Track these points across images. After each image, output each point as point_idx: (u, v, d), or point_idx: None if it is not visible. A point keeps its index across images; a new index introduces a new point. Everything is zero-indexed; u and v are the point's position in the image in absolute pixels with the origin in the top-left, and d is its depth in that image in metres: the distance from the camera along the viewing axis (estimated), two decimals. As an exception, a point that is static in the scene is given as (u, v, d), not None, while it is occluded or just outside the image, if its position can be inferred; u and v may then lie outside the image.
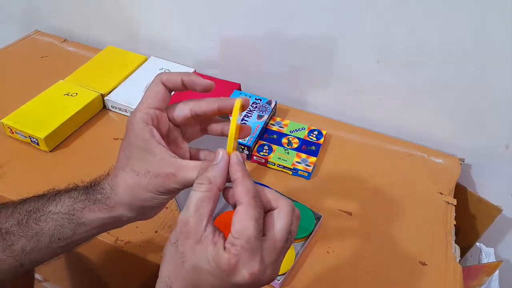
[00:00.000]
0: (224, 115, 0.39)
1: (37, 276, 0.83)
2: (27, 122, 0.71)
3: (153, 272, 0.58)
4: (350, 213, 0.65)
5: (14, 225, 0.37)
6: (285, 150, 0.72)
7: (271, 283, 0.54)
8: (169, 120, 0.37)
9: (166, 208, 0.63)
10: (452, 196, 0.68)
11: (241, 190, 0.30)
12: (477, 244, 0.75)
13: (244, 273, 0.28)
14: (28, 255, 0.37)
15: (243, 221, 0.29)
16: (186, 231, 0.30)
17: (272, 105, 0.79)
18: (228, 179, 0.32)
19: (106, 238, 0.59)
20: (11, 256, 0.36)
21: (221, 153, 0.33)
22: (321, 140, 0.75)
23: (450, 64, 0.68)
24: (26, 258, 0.37)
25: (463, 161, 0.75)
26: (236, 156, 0.32)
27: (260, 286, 0.30)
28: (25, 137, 0.71)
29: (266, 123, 0.77)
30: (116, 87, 0.82)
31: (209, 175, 0.31)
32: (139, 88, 0.81)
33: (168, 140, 0.38)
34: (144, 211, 0.38)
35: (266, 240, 0.30)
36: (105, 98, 0.80)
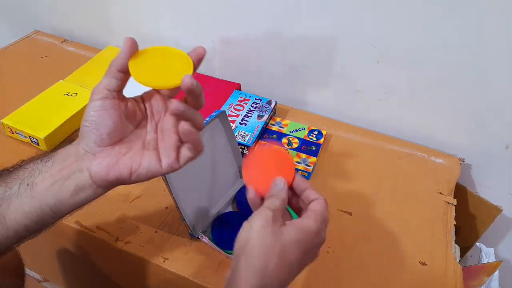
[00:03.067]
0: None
1: (37, 276, 0.83)
2: (27, 122, 0.71)
3: (153, 272, 0.58)
4: (350, 213, 0.65)
5: None
6: (285, 150, 0.72)
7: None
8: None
9: (166, 208, 0.63)
10: (452, 196, 0.68)
11: (315, 192, 0.41)
12: (477, 244, 0.75)
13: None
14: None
15: (324, 209, 0.40)
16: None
17: (272, 105, 0.79)
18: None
19: (106, 238, 0.59)
20: None
21: (281, 182, 0.41)
22: (321, 140, 0.75)
23: (450, 64, 0.68)
24: None
25: (463, 161, 0.75)
26: (299, 177, 0.42)
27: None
28: (25, 137, 0.71)
29: (266, 123, 0.77)
30: (116, 87, 0.82)
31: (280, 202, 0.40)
32: (139, 88, 0.81)
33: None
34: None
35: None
36: (105, 98, 0.80)
